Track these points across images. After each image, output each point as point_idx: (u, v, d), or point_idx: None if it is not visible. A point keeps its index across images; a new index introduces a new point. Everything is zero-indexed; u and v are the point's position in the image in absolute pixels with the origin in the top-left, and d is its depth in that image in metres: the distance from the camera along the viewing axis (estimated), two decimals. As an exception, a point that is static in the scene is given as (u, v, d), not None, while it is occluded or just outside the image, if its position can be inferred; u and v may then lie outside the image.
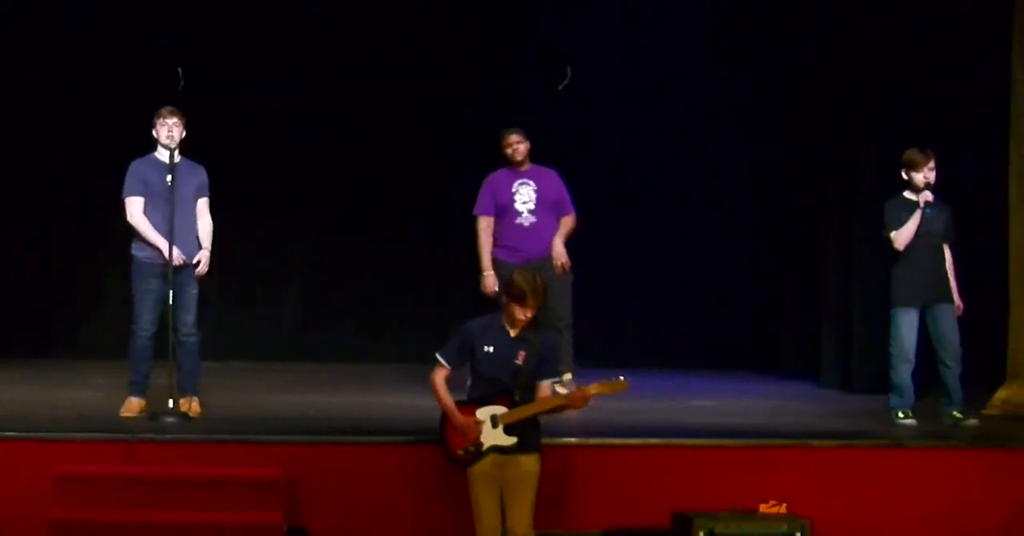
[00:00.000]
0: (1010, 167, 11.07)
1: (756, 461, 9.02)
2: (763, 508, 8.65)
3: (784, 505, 8.65)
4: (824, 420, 10.40)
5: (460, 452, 8.04)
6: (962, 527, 9.01)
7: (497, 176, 10.81)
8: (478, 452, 7.98)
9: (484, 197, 10.79)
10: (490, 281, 10.66)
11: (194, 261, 9.67)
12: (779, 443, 9.23)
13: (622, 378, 7.96)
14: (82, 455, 8.62)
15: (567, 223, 10.80)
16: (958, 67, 11.68)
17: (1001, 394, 10.85)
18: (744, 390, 12.15)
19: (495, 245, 10.72)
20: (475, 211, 10.80)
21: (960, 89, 11.65)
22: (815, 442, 9.25)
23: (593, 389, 7.99)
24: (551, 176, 10.84)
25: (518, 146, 10.73)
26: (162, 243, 9.47)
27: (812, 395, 11.95)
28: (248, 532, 8.36)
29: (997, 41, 11.20)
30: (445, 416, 8.11)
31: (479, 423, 7.98)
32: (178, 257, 9.47)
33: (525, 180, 10.74)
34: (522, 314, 7.98)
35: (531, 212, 10.67)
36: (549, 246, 10.70)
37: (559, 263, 10.66)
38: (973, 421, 9.98)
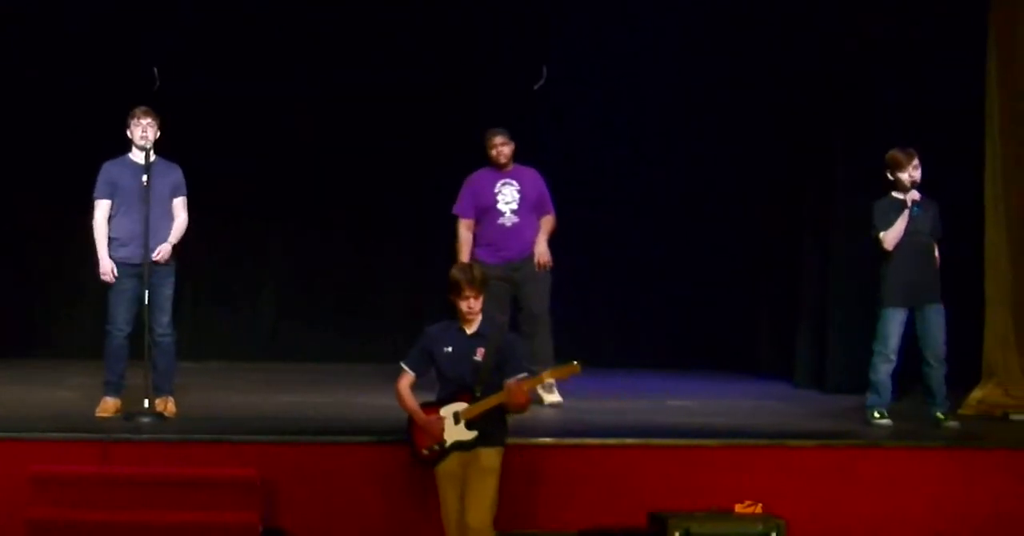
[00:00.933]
0: (985, 167, 11.10)
1: (732, 461, 9.03)
2: (739, 508, 8.66)
3: (760, 505, 8.66)
4: (800, 420, 10.41)
5: (425, 451, 8.08)
6: (937, 527, 9.02)
7: (479, 176, 10.73)
8: (442, 449, 8.02)
9: (464, 198, 10.71)
10: None
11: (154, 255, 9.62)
12: (755, 443, 9.24)
13: (575, 362, 8.00)
14: (57, 455, 8.60)
15: (548, 223, 10.73)
16: (958, 67, 11.66)
17: (976, 394, 10.87)
18: (721, 390, 12.14)
19: (477, 245, 10.65)
20: (455, 210, 10.72)
21: (959, 89, 11.64)
22: (791, 442, 9.27)
23: (547, 376, 8.06)
24: (532, 175, 10.77)
25: (503, 148, 10.65)
26: (103, 254, 9.53)
27: (788, 395, 11.95)
28: (224, 532, 8.35)
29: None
30: (412, 419, 8.15)
31: (442, 419, 8.02)
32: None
33: (508, 180, 10.67)
34: (466, 305, 8.00)
35: (514, 212, 10.60)
36: (531, 246, 10.64)
37: (542, 261, 10.61)
38: (954, 423, 9.98)
